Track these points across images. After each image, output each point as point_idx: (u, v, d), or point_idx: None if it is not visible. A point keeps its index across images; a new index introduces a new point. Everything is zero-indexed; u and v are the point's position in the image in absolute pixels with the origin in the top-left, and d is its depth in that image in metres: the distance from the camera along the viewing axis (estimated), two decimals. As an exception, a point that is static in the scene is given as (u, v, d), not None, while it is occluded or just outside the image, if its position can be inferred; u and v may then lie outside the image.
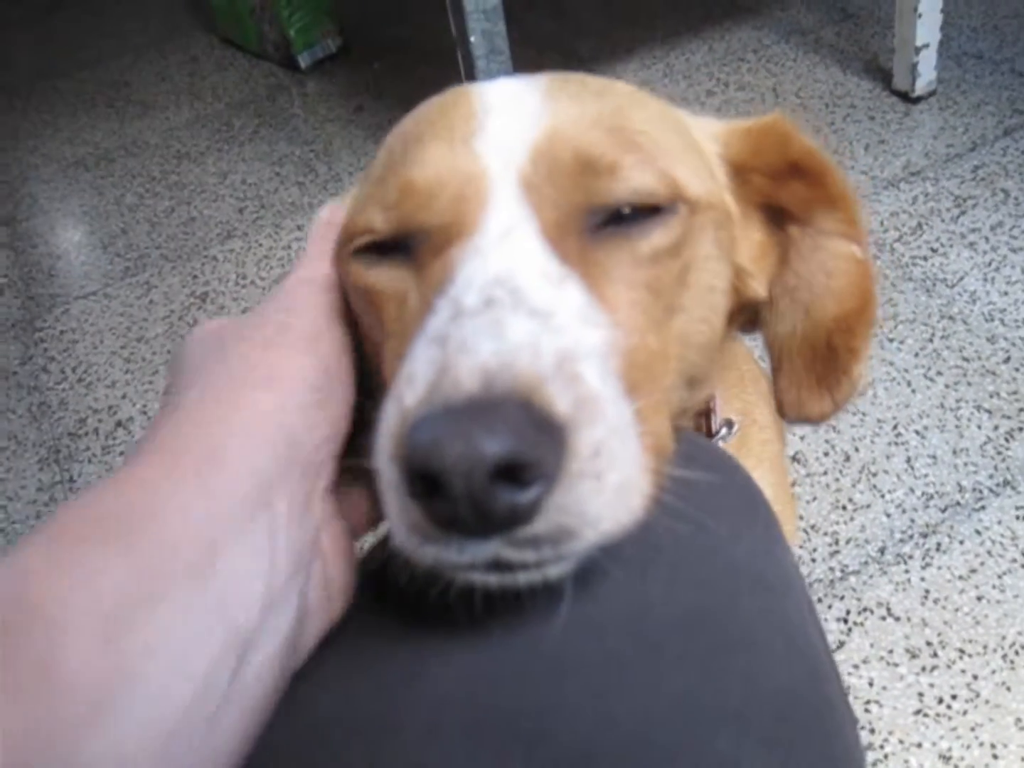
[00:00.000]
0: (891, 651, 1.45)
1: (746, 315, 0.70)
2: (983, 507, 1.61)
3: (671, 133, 0.62)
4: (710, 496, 0.56)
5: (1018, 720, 1.35)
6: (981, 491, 1.64)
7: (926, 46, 2.42)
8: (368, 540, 0.64)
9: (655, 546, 0.52)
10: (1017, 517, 1.58)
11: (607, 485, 0.45)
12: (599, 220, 0.56)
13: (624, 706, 0.48)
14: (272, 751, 0.48)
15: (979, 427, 1.73)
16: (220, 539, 0.46)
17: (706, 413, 0.78)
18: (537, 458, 0.42)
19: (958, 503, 1.62)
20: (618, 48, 2.96)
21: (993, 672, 1.41)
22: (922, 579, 1.53)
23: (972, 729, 1.35)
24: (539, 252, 0.52)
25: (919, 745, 1.35)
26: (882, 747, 1.35)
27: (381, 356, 0.57)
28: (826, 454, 1.74)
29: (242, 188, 2.79)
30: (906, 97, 2.54)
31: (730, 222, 0.65)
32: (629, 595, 0.52)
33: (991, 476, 1.65)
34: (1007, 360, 1.84)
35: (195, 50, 3.70)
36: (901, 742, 1.35)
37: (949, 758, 1.32)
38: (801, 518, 1.64)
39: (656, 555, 0.53)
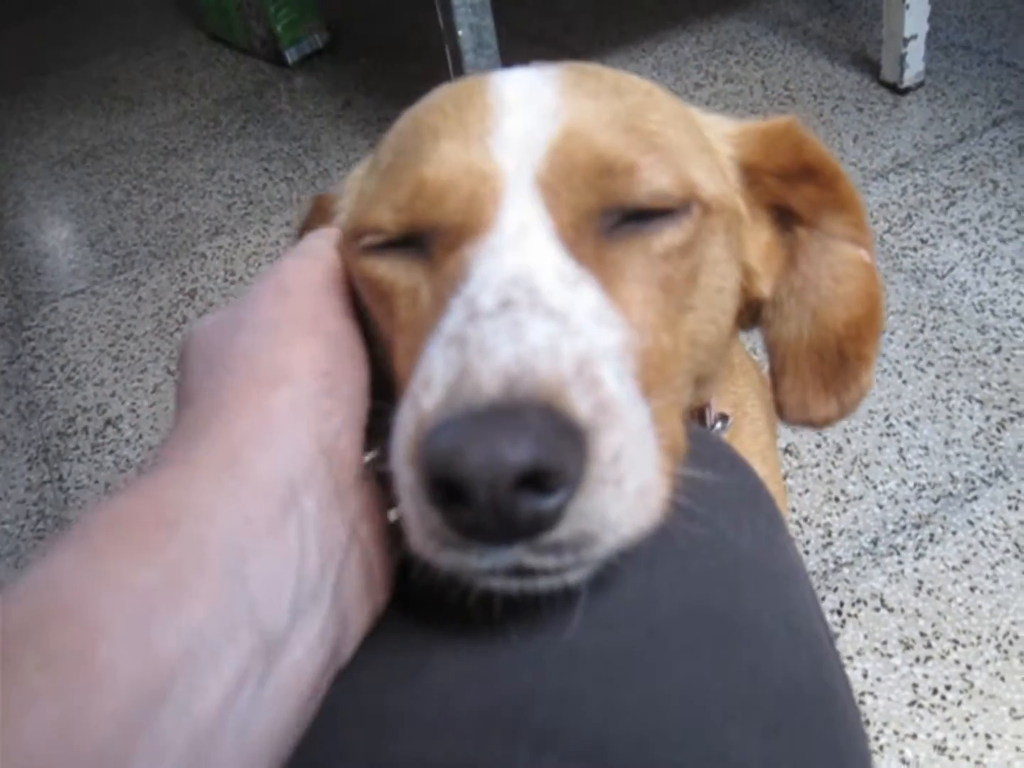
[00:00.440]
0: (885, 642, 1.45)
1: (749, 314, 0.70)
2: (975, 497, 1.61)
3: (685, 133, 0.62)
4: (713, 489, 0.56)
5: (1012, 710, 1.35)
6: (973, 481, 1.64)
7: (914, 37, 2.42)
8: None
9: (661, 539, 0.52)
10: (1009, 507, 1.59)
11: (627, 490, 0.44)
12: (614, 220, 0.55)
13: (632, 696, 0.48)
14: None
15: (971, 417, 1.73)
16: (249, 544, 0.45)
17: (700, 408, 0.78)
18: (561, 465, 0.41)
19: (951, 494, 1.62)
20: (606, 41, 2.96)
21: (987, 662, 1.41)
22: (915, 570, 1.53)
23: (967, 719, 1.35)
24: (554, 252, 0.51)
25: (914, 736, 1.35)
26: (877, 739, 1.35)
27: (392, 350, 0.57)
28: (818, 446, 1.74)
29: (230, 184, 2.79)
30: (894, 88, 2.54)
31: (740, 224, 0.65)
32: (636, 587, 0.51)
33: (983, 466, 1.65)
34: (998, 350, 1.84)
35: (182, 46, 3.69)
36: (896, 733, 1.35)
37: (944, 749, 1.32)
38: (793, 510, 1.64)
39: (662, 547, 0.52)
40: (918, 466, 1.67)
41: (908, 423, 1.74)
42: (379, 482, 0.55)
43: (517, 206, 0.53)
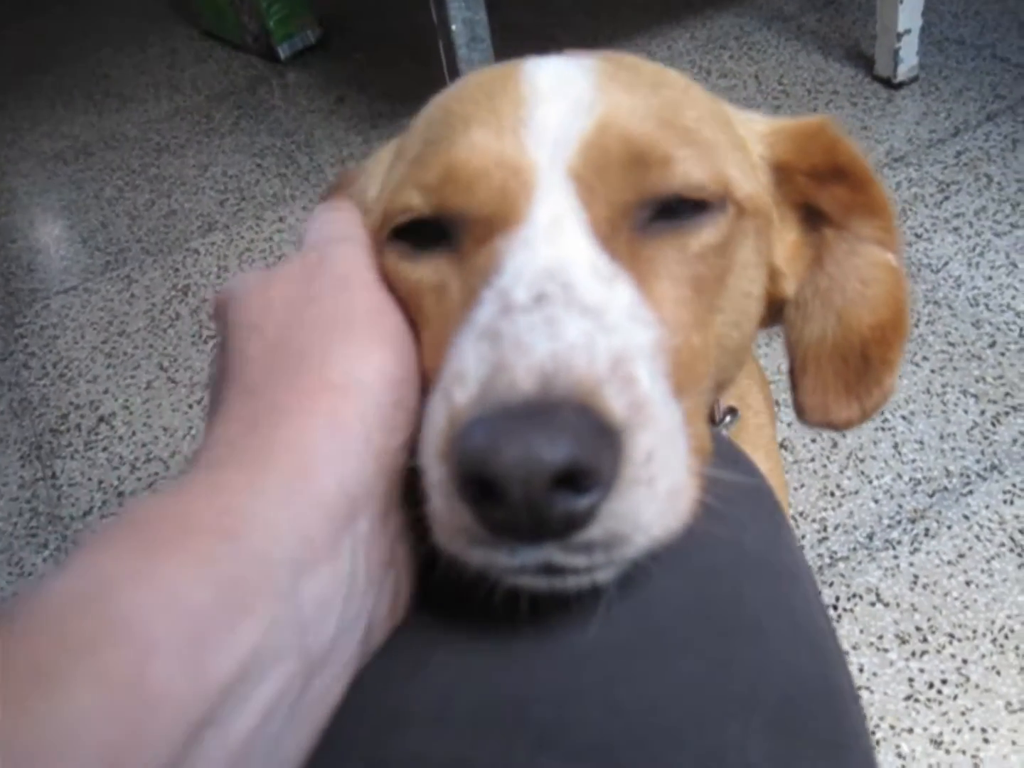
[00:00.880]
0: (881, 637, 1.45)
1: (771, 312, 0.69)
2: (971, 492, 1.61)
3: (721, 131, 0.61)
4: (718, 486, 0.55)
5: (1008, 704, 1.35)
6: (968, 476, 1.64)
7: (908, 32, 2.42)
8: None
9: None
10: (1005, 501, 1.59)
11: (659, 491, 0.44)
12: (648, 214, 0.55)
13: (632, 694, 0.48)
14: None
15: (966, 412, 1.73)
16: (307, 564, 0.43)
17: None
18: (596, 465, 0.41)
19: (946, 488, 1.62)
20: (600, 37, 2.95)
21: (983, 656, 1.41)
22: (911, 564, 1.53)
23: (963, 713, 1.35)
24: (589, 247, 0.51)
25: (910, 730, 1.35)
26: (873, 733, 1.35)
27: (418, 343, 0.55)
28: (813, 440, 1.73)
29: (223, 180, 2.78)
30: (888, 83, 2.54)
31: (770, 227, 0.64)
32: (637, 584, 0.51)
33: (978, 461, 1.65)
34: (992, 345, 1.84)
35: (174, 42, 3.68)
36: (892, 728, 1.35)
37: (940, 743, 1.32)
38: (789, 505, 1.64)
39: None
40: (913, 460, 1.67)
41: (903, 417, 1.74)
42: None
43: (550, 199, 0.53)
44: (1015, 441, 1.67)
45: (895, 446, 1.70)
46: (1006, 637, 1.42)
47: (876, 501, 1.63)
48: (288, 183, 2.70)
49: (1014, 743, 1.31)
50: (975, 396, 1.75)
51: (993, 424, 1.70)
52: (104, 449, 2.03)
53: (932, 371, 1.81)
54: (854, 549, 1.57)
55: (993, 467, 1.64)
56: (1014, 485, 1.61)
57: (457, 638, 0.51)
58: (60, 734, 0.34)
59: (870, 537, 1.58)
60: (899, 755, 1.32)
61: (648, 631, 0.50)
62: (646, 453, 0.43)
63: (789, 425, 1.75)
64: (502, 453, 0.40)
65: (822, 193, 0.66)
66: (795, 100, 2.57)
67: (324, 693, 0.46)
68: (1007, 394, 1.74)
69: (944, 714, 1.36)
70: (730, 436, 0.80)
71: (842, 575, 1.53)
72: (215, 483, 0.44)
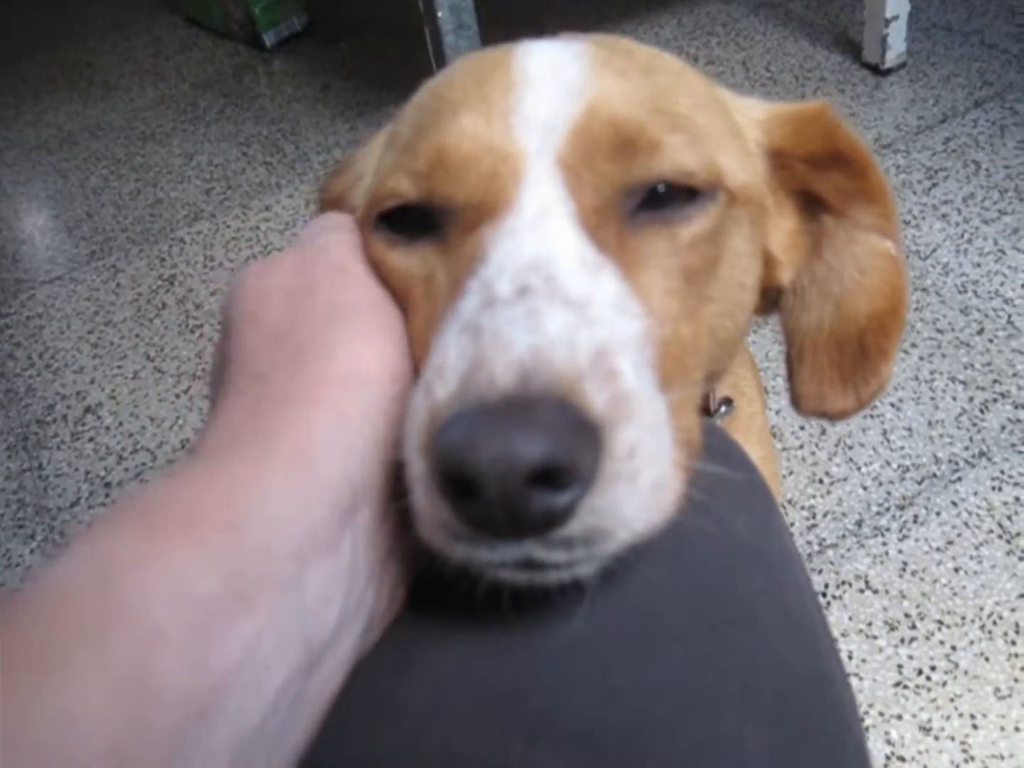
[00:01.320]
0: (870, 624, 1.46)
1: (767, 300, 0.69)
2: (959, 478, 1.61)
3: (716, 118, 0.60)
4: (709, 475, 0.55)
5: (997, 690, 1.35)
6: (957, 462, 1.64)
7: (896, 18, 2.41)
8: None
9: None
10: (993, 488, 1.59)
11: (641, 486, 0.44)
12: (636, 202, 0.54)
13: (626, 684, 0.47)
14: None
15: (954, 399, 1.73)
16: (310, 556, 0.43)
17: (704, 394, 0.77)
18: (574, 462, 0.41)
19: (934, 475, 1.63)
20: (587, 23, 2.94)
21: (971, 643, 1.41)
22: (899, 551, 1.53)
23: (951, 700, 1.36)
24: (575, 237, 0.50)
25: (899, 717, 1.35)
26: (862, 720, 1.35)
27: (407, 334, 0.55)
28: (802, 428, 1.73)
29: (208, 169, 2.77)
30: (876, 70, 2.54)
31: (765, 215, 0.64)
32: (629, 573, 0.51)
33: (967, 447, 1.66)
34: (981, 331, 1.84)
35: (159, 30, 3.66)
36: (881, 714, 1.36)
37: (929, 729, 1.33)
38: (780, 493, 1.64)
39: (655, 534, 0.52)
40: (902, 447, 1.68)
41: (892, 404, 1.74)
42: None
43: (537, 188, 0.52)
44: (1003, 428, 1.67)
45: (884, 433, 1.70)
46: (995, 623, 1.42)
47: (865, 488, 1.63)
48: (274, 171, 2.69)
49: (1002, 729, 1.31)
50: (963, 383, 1.76)
51: (981, 411, 1.71)
52: (91, 440, 2.02)
53: (920, 358, 1.81)
54: (843, 536, 1.57)
55: (981, 454, 1.64)
56: (1002, 472, 1.61)
57: (448, 630, 0.50)
58: (66, 720, 0.34)
59: (859, 524, 1.58)
60: (888, 742, 1.32)
61: (641, 621, 0.50)
62: (628, 448, 0.43)
63: (778, 412, 1.75)
64: (478, 451, 0.40)
65: (820, 180, 0.66)
66: (783, 87, 2.56)
67: (325, 685, 0.46)
68: (995, 381, 1.75)
69: (933, 701, 1.36)
70: (723, 425, 0.80)
71: (831, 562, 1.54)
72: (220, 473, 0.44)
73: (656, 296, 0.52)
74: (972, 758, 1.29)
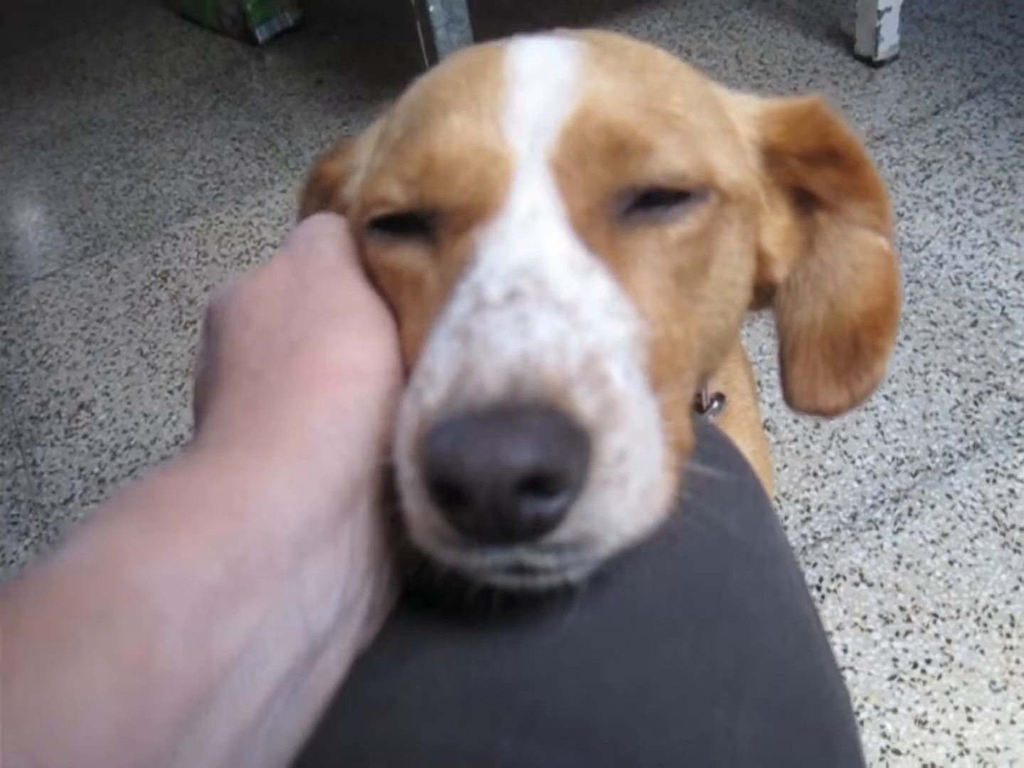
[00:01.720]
0: (865, 617, 1.46)
1: (760, 297, 0.69)
2: (953, 471, 1.61)
3: (708, 117, 0.60)
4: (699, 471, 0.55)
5: (992, 683, 1.36)
6: (951, 455, 1.64)
7: (888, 10, 2.41)
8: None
9: None
10: (987, 480, 1.59)
11: (631, 490, 0.44)
12: (627, 204, 0.54)
13: (617, 678, 0.47)
14: None
15: (948, 391, 1.73)
16: (311, 545, 0.44)
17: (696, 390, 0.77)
18: (563, 470, 0.40)
19: (928, 467, 1.63)
20: (580, 17, 2.94)
21: (966, 636, 1.41)
22: (894, 544, 1.53)
23: (947, 693, 1.36)
24: (565, 239, 0.50)
25: (894, 710, 1.35)
26: (858, 713, 1.35)
27: (400, 335, 0.55)
28: (796, 421, 1.73)
29: (201, 164, 2.76)
30: (869, 62, 2.54)
31: (757, 214, 0.64)
32: (620, 569, 0.51)
33: (961, 440, 1.66)
34: (974, 323, 1.84)
35: (151, 26, 3.65)
36: (876, 708, 1.36)
37: (925, 722, 1.33)
38: (773, 486, 1.64)
39: None
40: (896, 440, 1.68)
41: (886, 397, 1.74)
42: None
43: (528, 189, 0.52)
44: (997, 420, 1.67)
45: (878, 426, 1.70)
46: (989, 616, 1.43)
47: (859, 481, 1.63)
48: (267, 167, 2.69)
49: (998, 722, 1.32)
50: (957, 375, 1.76)
51: (975, 403, 1.71)
52: (84, 436, 2.02)
53: (914, 350, 1.81)
54: (837, 529, 1.57)
55: (976, 446, 1.64)
56: (996, 464, 1.61)
57: (440, 626, 0.50)
58: (72, 705, 0.34)
59: (853, 517, 1.58)
60: (884, 735, 1.32)
61: (632, 615, 0.50)
62: (617, 453, 0.43)
63: (772, 406, 1.75)
64: (467, 459, 0.40)
65: (814, 176, 0.65)
66: (775, 79, 2.56)
67: (325, 678, 0.46)
68: (989, 373, 1.75)
69: (928, 694, 1.36)
70: (716, 420, 0.80)
71: (825, 555, 1.54)
72: (222, 463, 0.44)
73: (647, 297, 0.52)
74: (967, 751, 1.29)
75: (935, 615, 1.44)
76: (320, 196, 0.69)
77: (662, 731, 0.46)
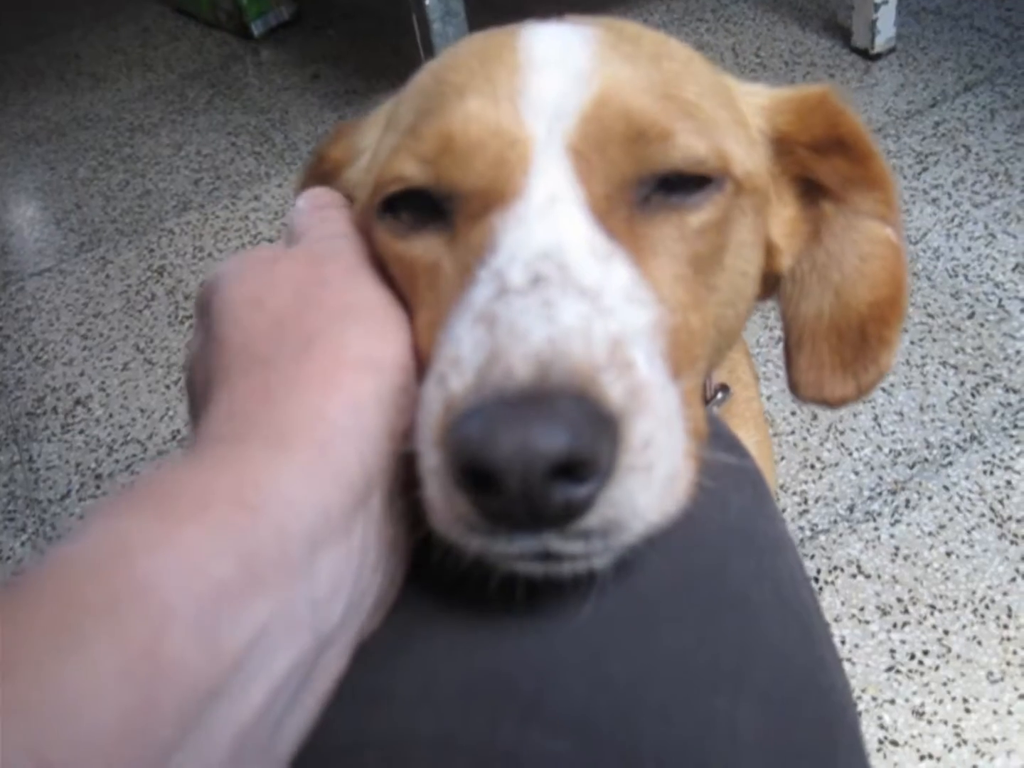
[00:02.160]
0: (862, 608, 1.46)
1: (766, 287, 0.68)
2: (951, 463, 1.62)
3: (722, 107, 0.60)
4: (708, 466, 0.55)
5: (989, 674, 1.36)
6: (948, 447, 1.64)
7: (885, 2, 2.41)
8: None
9: None
10: (984, 472, 1.59)
11: (656, 477, 0.44)
12: (646, 191, 0.54)
13: (619, 667, 0.47)
14: None
15: (945, 383, 1.74)
16: (323, 539, 0.43)
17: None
18: (594, 455, 0.40)
19: (926, 459, 1.63)
20: (575, 11, 2.91)
21: (964, 627, 1.41)
22: (892, 536, 1.53)
23: (944, 684, 1.36)
24: (585, 225, 0.50)
25: (892, 701, 1.35)
26: (855, 704, 1.35)
27: (412, 323, 0.54)
28: (793, 413, 1.74)
29: (197, 159, 2.76)
30: (866, 54, 2.54)
31: (767, 205, 0.63)
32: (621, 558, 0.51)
33: (958, 432, 1.66)
34: (971, 316, 1.84)
35: (146, 20, 3.64)
36: (874, 699, 1.36)
37: (922, 713, 1.33)
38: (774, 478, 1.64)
39: None
40: (893, 432, 1.68)
41: (883, 389, 1.74)
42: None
43: (547, 174, 0.51)
44: (994, 412, 1.67)
45: (875, 418, 1.70)
46: (987, 607, 1.43)
47: (856, 473, 1.63)
48: (263, 161, 2.68)
49: (995, 712, 1.32)
50: (954, 367, 1.76)
51: (972, 395, 1.71)
52: (81, 432, 2.02)
53: (912, 342, 1.81)
54: (835, 521, 1.57)
55: (973, 438, 1.64)
56: (993, 456, 1.61)
57: (440, 615, 0.50)
58: (76, 695, 0.34)
59: (851, 509, 1.58)
60: (881, 726, 1.33)
61: (634, 605, 0.50)
62: (644, 439, 0.43)
63: (769, 398, 1.75)
64: (499, 445, 0.39)
65: (822, 165, 0.65)
66: (772, 72, 2.56)
67: (329, 670, 0.46)
68: (986, 365, 1.75)
69: (926, 685, 1.36)
70: (720, 411, 0.80)
71: (823, 547, 1.54)
72: (234, 455, 0.44)
73: (666, 284, 0.52)
74: (965, 741, 1.30)
75: (932, 606, 1.44)
76: (321, 180, 0.68)
77: (663, 720, 0.46)
